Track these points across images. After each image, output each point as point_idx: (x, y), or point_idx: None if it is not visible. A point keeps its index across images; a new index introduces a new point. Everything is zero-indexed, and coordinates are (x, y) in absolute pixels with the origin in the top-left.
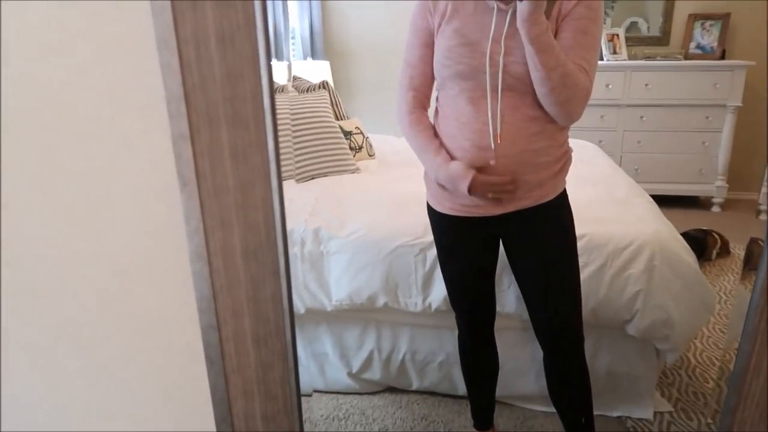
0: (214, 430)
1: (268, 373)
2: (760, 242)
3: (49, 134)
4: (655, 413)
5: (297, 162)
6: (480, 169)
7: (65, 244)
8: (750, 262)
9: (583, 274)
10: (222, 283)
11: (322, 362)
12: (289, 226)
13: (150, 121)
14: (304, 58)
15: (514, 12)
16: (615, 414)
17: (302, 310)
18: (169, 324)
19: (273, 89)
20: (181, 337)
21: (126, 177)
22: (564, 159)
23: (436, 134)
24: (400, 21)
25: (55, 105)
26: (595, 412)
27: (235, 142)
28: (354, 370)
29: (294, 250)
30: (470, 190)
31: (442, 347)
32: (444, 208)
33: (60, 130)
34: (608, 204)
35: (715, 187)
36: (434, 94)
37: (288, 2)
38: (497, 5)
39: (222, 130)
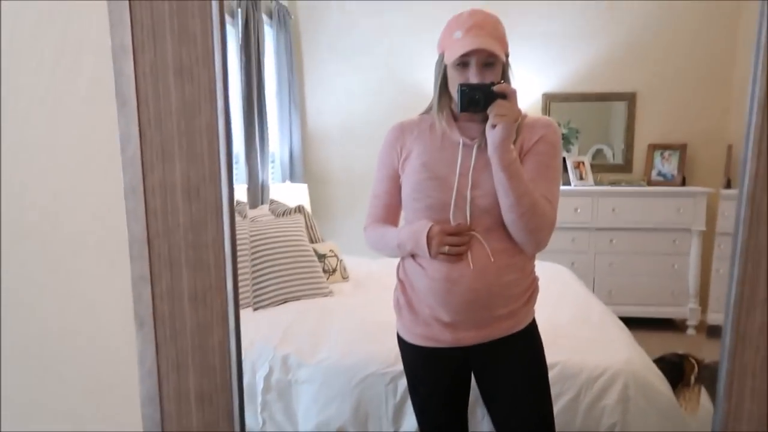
0: None
1: None
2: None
3: (19, 270)
4: None
5: (261, 287)
6: (451, 302)
7: (26, 372)
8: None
9: (557, 405)
10: (173, 429)
11: None
12: (257, 353)
13: (112, 263)
14: (283, 180)
15: (480, 147)
16: None
17: None
18: None
19: (234, 236)
20: None
21: (84, 316)
22: (532, 288)
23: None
24: (378, 147)
25: (28, 240)
26: None
27: (195, 285)
28: None
29: (258, 375)
30: (429, 241)
31: None
32: (414, 338)
33: (29, 266)
34: (580, 330)
35: (688, 310)
36: (402, 224)
37: (269, 128)
38: (462, 140)
39: (183, 273)
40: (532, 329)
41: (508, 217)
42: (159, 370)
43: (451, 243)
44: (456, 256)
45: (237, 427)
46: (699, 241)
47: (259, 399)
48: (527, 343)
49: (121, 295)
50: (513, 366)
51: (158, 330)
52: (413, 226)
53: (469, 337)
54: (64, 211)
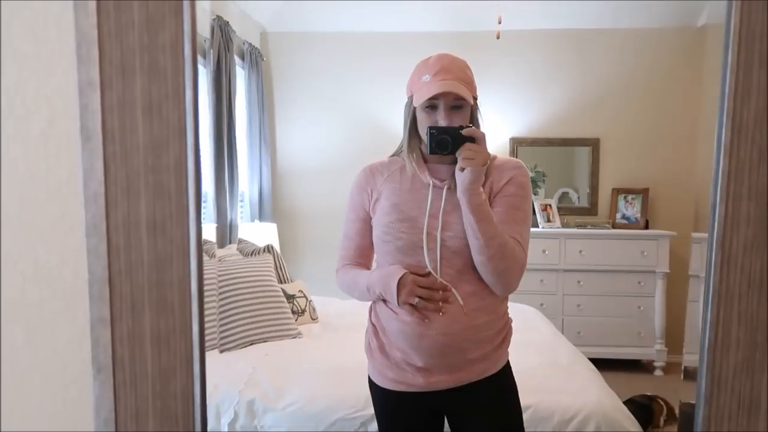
0: None
1: None
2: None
3: None
4: None
5: (228, 328)
6: (423, 346)
7: None
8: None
9: None
10: None
11: None
12: (221, 397)
13: (71, 304)
14: (252, 220)
15: (449, 188)
16: None
17: None
18: None
19: (201, 275)
20: None
21: (37, 361)
22: (505, 330)
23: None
24: (347, 187)
25: None
26: None
27: (158, 327)
28: None
29: (223, 421)
30: (399, 288)
31: None
32: (386, 381)
33: None
34: (551, 372)
35: (655, 351)
36: (374, 267)
37: (238, 167)
38: (432, 181)
39: (145, 314)
40: (506, 371)
41: (478, 259)
42: (117, 419)
43: (423, 295)
44: (422, 310)
45: None
46: (663, 283)
47: None
48: (501, 386)
49: (78, 339)
50: (487, 410)
51: (117, 375)
52: (385, 270)
53: (441, 381)
54: (17, 248)
